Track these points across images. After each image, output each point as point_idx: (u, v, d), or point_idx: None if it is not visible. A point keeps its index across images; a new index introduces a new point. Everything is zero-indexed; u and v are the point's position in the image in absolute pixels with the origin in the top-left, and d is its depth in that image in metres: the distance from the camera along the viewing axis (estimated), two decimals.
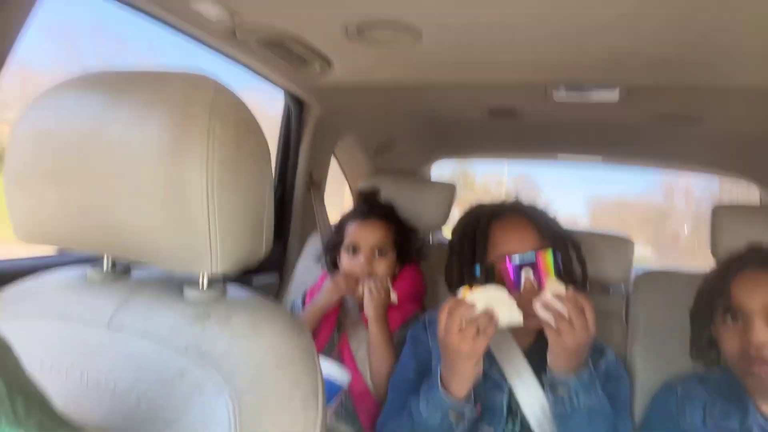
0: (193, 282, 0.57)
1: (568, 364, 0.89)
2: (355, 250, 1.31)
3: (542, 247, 1.01)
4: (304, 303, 1.38)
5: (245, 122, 0.52)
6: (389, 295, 1.23)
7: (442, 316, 0.88)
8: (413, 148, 2.05)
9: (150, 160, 0.49)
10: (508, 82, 1.35)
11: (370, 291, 1.22)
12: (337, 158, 1.93)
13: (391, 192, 1.50)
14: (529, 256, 0.98)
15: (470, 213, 1.14)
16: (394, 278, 1.34)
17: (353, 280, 1.26)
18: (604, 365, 1.04)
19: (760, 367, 0.91)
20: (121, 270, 0.62)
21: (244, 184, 0.51)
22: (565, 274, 1.03)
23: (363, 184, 1.56)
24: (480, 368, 0.89)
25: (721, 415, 0.97)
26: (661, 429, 1.00)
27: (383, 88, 1.45)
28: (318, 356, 0.54)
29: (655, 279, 1.31)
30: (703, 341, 1.05)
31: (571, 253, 1.07)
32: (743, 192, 2.06)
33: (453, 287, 1.12)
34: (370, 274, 1.28)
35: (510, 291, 0.98)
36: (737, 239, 1.17)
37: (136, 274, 0.63)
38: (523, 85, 1.36)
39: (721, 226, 1.23)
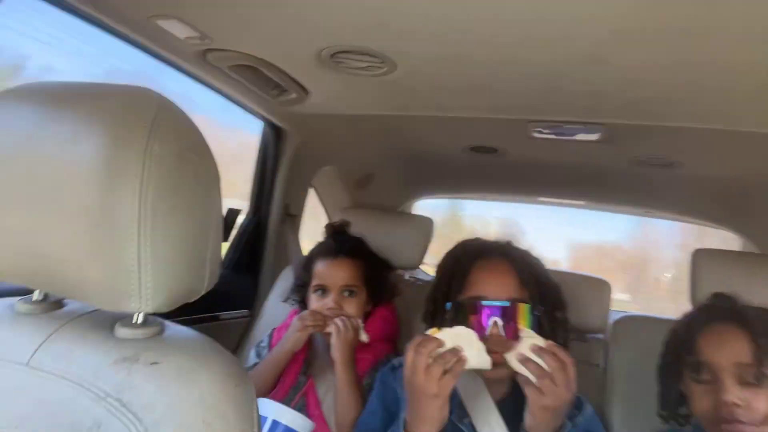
0: (128, 318, 0.51)
1: (546, 425, 0.83)
2: (323, 290, 1.24)
3: (521, 295, 0.97)
4: (270, 343, 1.31)
5: (190, 143, 0.48)
6: (358, 335, 1.17)
7: (409, 354, 0.83)
8: (394, 183, 2.03)
9: (79, 181, 0.44)
10: (487, 119, 1.34)
11: (338, 329, 1.16)
12: (316, 190, 1.89)
13: (366, 226, 1.46)
14: (503, 304, 0.95)
15: (456, 248, 1.10)
16: (366, 317, 1.28)
17: (321, 317, 1.20)
18: (582, 421, 0.99)
19: (732, 426, 0.87)
20: (53, 302, 0.56)
21: (184, 212, 0.47)
22: (541, 331, 0.99)
23: (333, 219, 1.52)
24: (446, 412, 0.83)
25: None
26: None
27: (362, 118, 1.43)
28: (257, 408, 0.48)
29: (633, 324, 1.27)
30: (672, 398, 1.01)
31: (551, 309, 1.03)
32: (721, 242, 2.06)
33: (427, 324, 1.08)
34: (332, 314, 1.22)
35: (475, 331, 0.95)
36: (717, 285, 1.14)
37: (69, 306, 0.57)
38: (503, 122, 1.34)
39: (701, 271, 1.21)
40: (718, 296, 1.05)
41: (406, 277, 1.57)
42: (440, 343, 0.83)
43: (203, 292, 0.52)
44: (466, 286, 0.99)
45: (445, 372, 0.81)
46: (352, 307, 1.23)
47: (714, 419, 0.90)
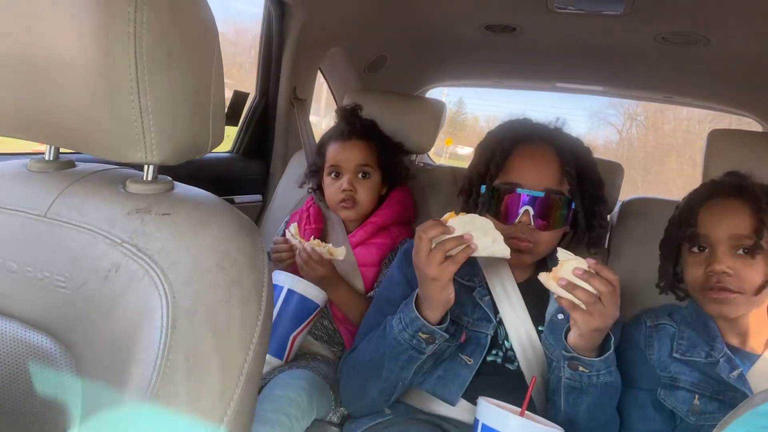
0: (138, 175, 0.52)
1: (592, 343, 0.83)
2: (337, 173, 1.25)
3: (560, 187, 0.96)
4: (284, 230, 1.35)
5: None
6: (324, 264, 1.13)
7: (416, 237, 0.84)
8: (407, 67, 1.95)
9: (72, 31, 0.43)
10: None
11: (301, 266, 1.14)
12: (324, 74, 1.83)
13: (377, 109, 1.43)
14: (538, 194, 0.93)
15: (501, 127, 1.06)
16: (381, 200, 1.30)
17: (286, 247, 1.19)
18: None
19: (719, 293, 0.91)
20: (65, 161, 0.57)
21: (182, 61, 0.46)
22: (575, 226, 0.99)
23: (342, 103, 1.49)
24: (449, 295, 0.85)
25: (687, 348, 0.96)
26: (629, 361, 0.99)
27: None
28: (268, 262, 0.50)
29: (641, 206, 1.28)
30: (671, 273, 1.04)
31: (591, 205, 1.01)
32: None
33: (464, 203, 1.08)
34: (354, 200, 1.24)
35: (502, 221, 0.94)
36: (731, 164, 1.12)
37: (81, 166, 0.58)
38: None
39: (715, 151, 1.18)
40: (729, 174, 1.04)
41: (416, 162, 1.57)
42: (447, 230, 0.83)
43: (209, 150, 0.52)
44: (505, 170, 0.98)
45: (447, 257, 0.81)
46: (365, 188, 1.25)
47: (704, 286, 0.93)
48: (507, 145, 0.98)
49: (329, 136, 1.31)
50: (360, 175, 1.25)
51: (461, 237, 0.81)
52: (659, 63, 1.63)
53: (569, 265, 0.80)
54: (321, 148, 1.32)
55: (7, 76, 0.47)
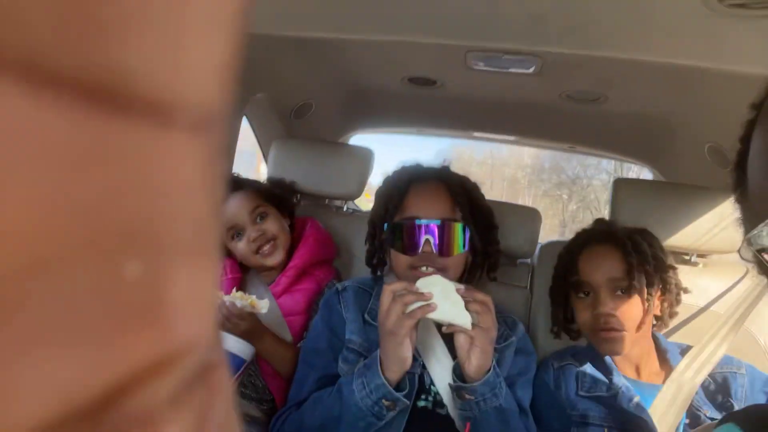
0: None
1: (481, 366, 0.88)
2: (238, 231, 1.22)
3: (454, 216, 1.01)
4: None
5: None
6: (247, 318, 1.10)
7: (382, 291, 0.88)
8: (332, 114, 1.98)
9: None
10: (426, 47, 1.32)
11: (222, 322, 1.14)
12: (249, 120, 1.81)
13: (304, 156, 1.43)
14: (435, 222, 0.99)
15: (394, 172, 1.13)
16: (295, 241, 1.29)
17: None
18: (515, 340, 1.06)
19: (607, 333, 1.01)
20: None
21: None
22: (474, 253, 1.05)
23: (267, 150, 1.48)
24: (405, 353, 0.86)
25: (591, 385, 1.04)
26: (541, 405, 1.05)
27: (296, 41, 1.37)
28: None
29: (558, 248, 1.36)
30: (561, 318, 1.14)
31: (486, 233, 1.08)
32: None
33: (371, 247, 1.12)
34: (260, 242, 1.21)
35: (407, 253, 0.99)
36: (635, 212, 1.23)
37: None
38: (441, 50, 1.33)
39: (620, 200, 1.30)
40: (598, 221, 1.17)
41: (345, 209, 1.58)
42: (410, 287, 0.87)
43: None
44: (402, 208, 1.03)
45: (405, 314, 0.85)
46: (271, 224, 1.23)
47: (593, 328, 1.04)
48: (402, 185, 1.05)
49: None
50: (258, 219, 1.23)
51: (422, 294, 0.84)
52: (565, 117, 1.78)
53: (452, 285, 0.87)
54: None
55: None
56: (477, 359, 0.87)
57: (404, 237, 1.00)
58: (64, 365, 0.08)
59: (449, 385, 0.91)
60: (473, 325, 0.85)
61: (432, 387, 0.99)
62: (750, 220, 0.38)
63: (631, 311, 1.02)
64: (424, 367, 1.00)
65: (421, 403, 0.98)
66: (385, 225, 1.05)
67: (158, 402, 0.09)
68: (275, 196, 1.30)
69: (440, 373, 0.98)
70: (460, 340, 0.87)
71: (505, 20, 1.06)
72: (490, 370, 0.89)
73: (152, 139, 0.08)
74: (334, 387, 0.93)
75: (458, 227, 1.00)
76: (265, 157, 1.92)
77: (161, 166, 0.08)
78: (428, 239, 0.99)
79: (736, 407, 0.98)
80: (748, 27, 0.89)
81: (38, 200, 0.07)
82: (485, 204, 1.10)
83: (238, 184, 1.29)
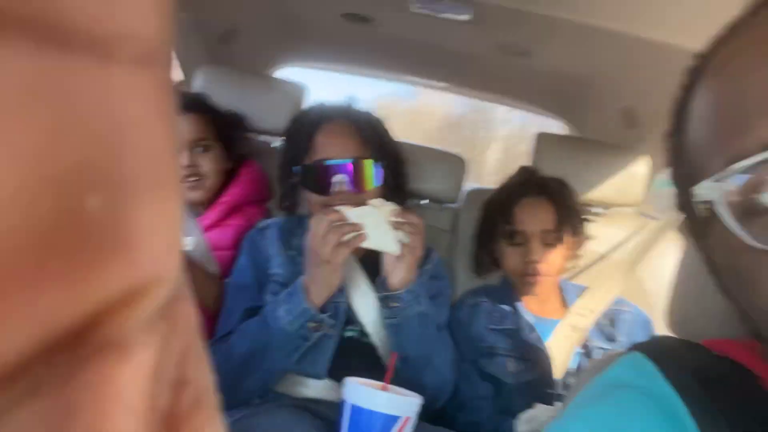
0: None
1: (404, 279, 0.95)
2: None
3: (364, 154, 1.03)
4: None
5: None
6: None
7: (313, 221, 0.89)
8: (261, 44, 1.88)
9: None
10: None
11: None
12: None
13: (231, 87, 1.36)
14: (347, 161, 1.00)
15: (300, 114, 1.13)
16: (229, 177, 1.26)
17: None
18: (430, 266, 1.13)
19: (533, 278, 1.13)
20: None
21: None
22: (386, 187, 1.08)
23: (190, 77, 1.39)
24: (337, 279, 0.91)
25: (500, 319, 1.15)
26: (454, 339, 1.15)
27: None
28: None
29: (483, 196, 1.43)
30: (485, 258, 1.23)
31: (396, 167, 1.12)
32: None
33: (281, 187, 1.13)
34: (198, 174, 1.18)
35: (321, 193, 1.01)
36: (554, 166, 1.32)
37: None
38: None
39: (543, 152, 1.38)
40: (525, 170, 1.26)
41: (272, 144, 1.54)
42: (344, 218, 0.88)
43: None
44: (312, 150, 1.03)
45: (340, 243, 0.87)
46: (206, 160, 1.20)
47: (522, 273, 1.14)
48: (310, 127, 1.06)
49: None
50: (199, 150, 1.19)
51: (355, 225, 0.87)
52: (493, 68, 1.82)
53: (386, 208, 0.92)
54: None
55: None
56: (402, 272, 0.94)
57: (317, 178, 1.02)
58: (37, 300, 0.08)
59: (377, 297, 0.98)
60: (402, 243, 0.91)
61: (356, 317, 1.04)
62: (689, 177, 0.41)
63: (556, 259, 1.14)
64: (349, 298, 1.04)
65: (349, 333, 1.03)
66: (295, 168, 1.05)
67: (129, 329, 0.09)
68: (227, 137, 1.23)
69: (364, 306, 1.04)
70: (387, 257, 0.93)
71: None
72: (412, 282, 0.96)
73: (95, 75, 0.08)
74: (259, 316, 0.95)
75: (369, 164, 1.03)
76: (187, 84, 1.80)
77: (108, 100, 0.09)
78: (340, 178, 1.01)
79: (622, 340, 1.13)
80: None
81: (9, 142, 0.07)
82: (392, 139, 1.14)
83: (195, 104, 1.22)
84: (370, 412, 0.81)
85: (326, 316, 0.93)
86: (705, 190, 0.38)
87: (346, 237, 0.87)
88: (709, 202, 0.37)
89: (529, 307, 1.17)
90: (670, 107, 0.45)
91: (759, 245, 0.35)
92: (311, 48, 1.96)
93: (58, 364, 0.08)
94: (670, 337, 0.51)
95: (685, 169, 0.43)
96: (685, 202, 0.42)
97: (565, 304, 1.21)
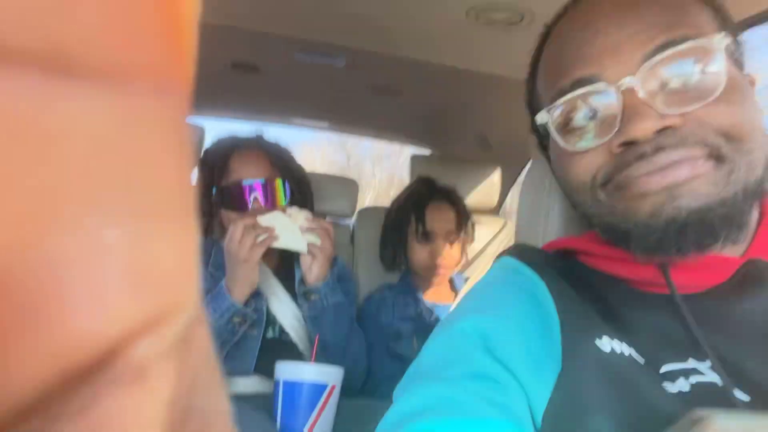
0: None
1: (319, 275, 1.11)
2: None
3: (274, 175, 1.21)
4: None
5: None
6: None
7: (230, 227, 1.01)
8: None
9: None
10: (251, 33, 1.46)
11: None
12: None
13: None
14: (261, 181, 1.17)
15: (214, 144, 1.29)
16: None
17: None
18: (336, 270, 1.31)
19: (438, 272, 1.36)
20: None
21: None
22: (293, 201, 1.26)
23: None
24: (256, 276, 1.04)
25: (403, 308, 1.37)
26: (366, 329, 1.32)
27: None
28: None
29: (374, 213, 1.66)
30: (392, 256, 1.45)
31: (301, 186, 1.31)
32: None
33: (201, 211, 1.25)
34: None
35: (239, 210, 1.16)
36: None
37: None
38: (267, 39, 1.49)
39: (416, 171, 1.64)
40: (425, 180, 1.51)
41: None
42: (257, 222, 1.03)
43: None
44: (227, 172, 1.19)
45: (255, 244, 1.02)
46: None
47: (428, 267, 1.37)
48: (225, 152, 1.23)
49: None
50: None
51: (267, 228, 1.02)
52: (372, 108, 2.09)
53: (301, 215, 1.08)
54: None
55: None
56: (317, 269, 1.11)
57: (235, 197, 1.17)
58: (59, 330, 0.08)
59: (299, 291, 1.15)
60: (315, 246, 1.08)
61: (276, 320, 1.18)
62: (535, 109, 0.58)
63: (456, 255, 1.40)
64: (267, 304, 1.18)
65: (269, 334, 1.16)
66: (213, 188, 1.19)
67: (149, 357, 0.09)
68: None
69: (281, 308, 1.18)
70: (303, 258, 1.10)
71: (326, 17, 1.29)
72: (326, 278, 1.13)
73: (112, 107, 0.08)
74: None
75: (279, 182, 1.21)
76: None
77: (125, 133, 0.09)
78: (256, 196, 1.17)
79: None
80: (498, 37, 1.26)
81: (8, 178, 0.07)
82: (297, 163, 1.34)
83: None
84: (300, 384, 0.94)
85: (249, 310, 1.06)
86: (542, 116, 0.54)
87: (260, 238, 1.02)
88: (545, 125, 0.55)
89: (425, 296, 1.39)
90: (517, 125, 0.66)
91: (569, 148, 0.51)
92: (203, 99, 2.08)
93: (78, 393, 0.08)
94: (524, 244, 0.69)
95: (533, 105, 0.60)
96: (534, 126, 0.59)
97: (455, 290, 1.45)
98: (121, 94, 0.08)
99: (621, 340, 0.48)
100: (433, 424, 0.42)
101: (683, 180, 0.46)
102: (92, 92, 0.08)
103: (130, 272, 0.09)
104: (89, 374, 0.08)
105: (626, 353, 0.47)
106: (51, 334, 0.08)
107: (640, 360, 0.47)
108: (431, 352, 0.53)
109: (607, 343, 0.48)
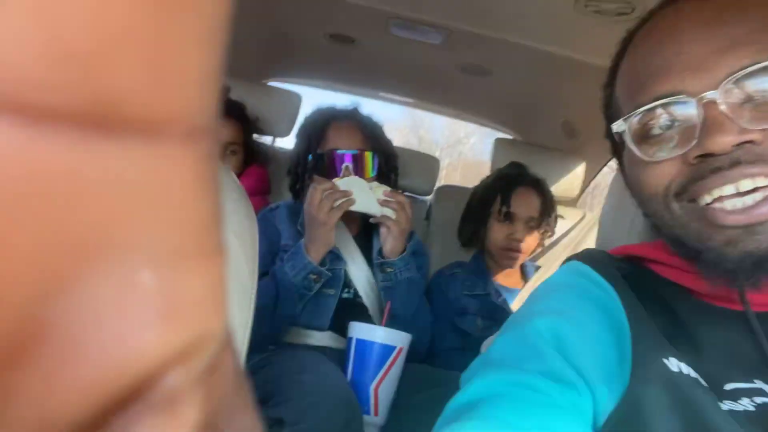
0: None
1: (396, 247, 1.17)
2: None
3: (366, 147, 1.27)
4: None
5: None
6: None
7: (310, 191, 1.09)
8: (249, 57, 2.07)
9: None
10: (348, 5, 1.50)
11: None
12: None
13: (236, 95, 1.56)
14: (353, 152, 1.23)
15: (313, 113, 1.37)
16: (238, 175, 1.44)
17: None
18: (413, 244, 1.37)
19: (513, 253, 1.39)
20: None
21: None
22: (379, 174, 1.32)
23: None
24: (332, 238, 1.11)
25: (471, 286, 1.40)
26: (434, 302, 1.37)
27: None
28: None
29: (451, 191, 1.69)
30: (472, 233, 1.48)
31: (389, 160, 1.36)
32: None
33: (296, 174, 1.33)
34: None
35: (330, 177, 1.23)
36: None
37: None
38: (363, 10, 1.53)
39: (500, 156, 1.64)
40: (517, 165, 1.52)
41: (273, 145, 1.74)
42: (335, 186, 1.10)
43: None
44: (324, 141, 1.26)
45: (333, 207, 1.09)
46: (232, 164, 1.39)
47: (504, 247, 1.40)
48: (322, 123, 1.30)
49: None
50: (228, 152, 1.38)
51: (345, 192, 1.08)
52: (458, 86, 2.09)
53: (380, 189, 1.15)
54: None
55: None
56: (392, 242, 1.17)
57: (328, 164, 1.24)
58: (99, 364, 0.08)
59: (375, 263, 1.22)
60: (390, 219, 1.14)
61: (353, 283, 1.25)
62: (612, 117, 0.58)
63: (532, 243, 1.42)
64: (345, 266, 1.25)
65: (345, 295, 1.25)
66: (309, 156, 1.27)
67: (180, 386, 0.09)
68: (251, 143, 1.43)
69: (357, 272, 1.26)
70: (381, 230, 1.15)
71: None
72: (403, 252, 1.17)
73: (144, 156, 0.09)
74: (270, 275, 1.16)
75: (369, 155, 1.27)
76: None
77: (158, 180, 0.09)
78: (347, 165, 1.24)
79: None
80: (603, 26, 1.22)
81: (48, 230, 0.08)
82: (387, 138, 1.40)
83: (234, 111, 1.40)
84: (372, 343, 1.02)
85: (325, 269, 1.14)
86: (619, 125, 0.55)
87: (338, 202, 1.09)
88: (621, 133, 0.56)
89: (496, 278, 1.42)
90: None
91: (645, 158, 0.52)
92: (298, 65, 2.17)
93: (113, 422, 0.09)
94: (594, 250, 0.71)
95: (610, 112, 0.60)
96: (610, 134, 0.59)
97: (525, 278, 1.46)
98: (155, 142, 0.09)
99: (688, 362, 0.49)
100: (512, 404, 0.44)
101: (765, 219, 0.45)
102: (127, 144, 0.08)
103: (162, 308, 0.09)
104: (123, 404, 0.09)
105: (692, 375, 0.48)
106: (89, 368, 0.08)
107: (704, 383, 0.47)
108: (503, 345, 0.54)
109: (675, 364, 0.48)
